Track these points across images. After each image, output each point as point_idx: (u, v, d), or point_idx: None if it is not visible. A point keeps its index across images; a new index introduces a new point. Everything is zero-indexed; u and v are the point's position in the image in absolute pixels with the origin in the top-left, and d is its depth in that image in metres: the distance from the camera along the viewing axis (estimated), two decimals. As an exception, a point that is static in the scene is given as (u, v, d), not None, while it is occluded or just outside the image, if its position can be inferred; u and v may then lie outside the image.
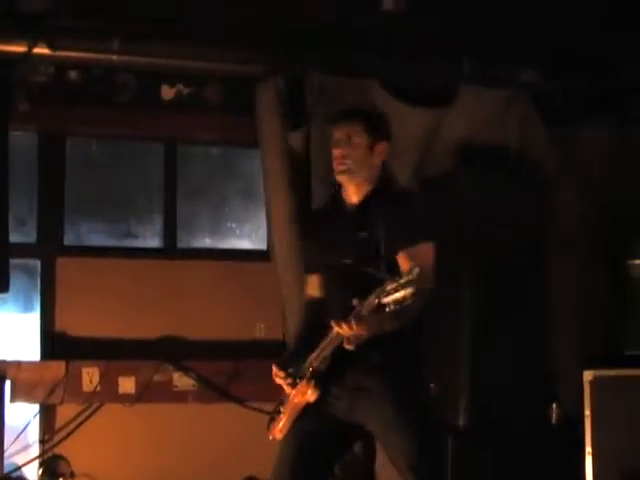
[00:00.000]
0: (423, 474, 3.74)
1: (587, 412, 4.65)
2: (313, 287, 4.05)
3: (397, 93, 5.33)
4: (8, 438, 5.14)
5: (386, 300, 3.38)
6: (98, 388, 5.30)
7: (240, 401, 5.43)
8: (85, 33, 4.94)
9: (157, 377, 5.37)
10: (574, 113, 5.56)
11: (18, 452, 5.33)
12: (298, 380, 3.77)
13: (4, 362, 5.14)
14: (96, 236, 5.72)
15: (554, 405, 4.99)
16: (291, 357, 3.91)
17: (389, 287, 3.36)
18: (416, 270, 3.34)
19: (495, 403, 4.79)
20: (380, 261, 3.70)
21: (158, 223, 5.79)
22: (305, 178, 5.18)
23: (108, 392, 5.32)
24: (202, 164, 5.93)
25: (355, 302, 3.50)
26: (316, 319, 3.94)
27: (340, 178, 3.92)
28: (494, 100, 5.42)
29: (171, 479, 5.39)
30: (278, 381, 3.85)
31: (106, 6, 4.82)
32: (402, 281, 3.34)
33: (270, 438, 3.89)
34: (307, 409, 3.79)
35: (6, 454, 5.11)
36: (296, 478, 3.78)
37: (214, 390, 5.43)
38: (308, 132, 5.25)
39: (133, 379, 5.35)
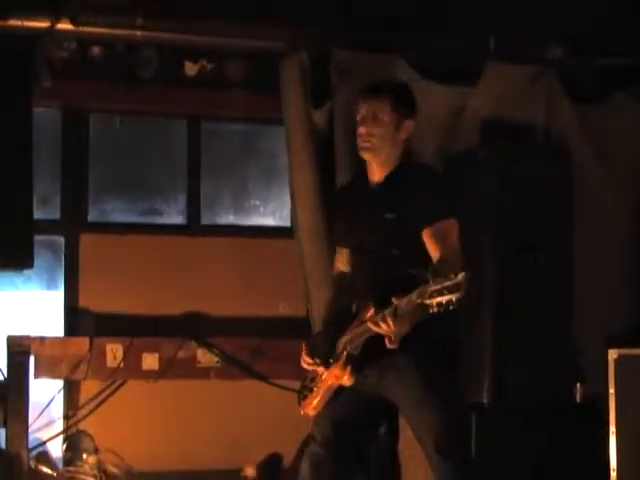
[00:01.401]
0: (450, 456, 3.73)
1: (611, 391, 4.61)
2: (343, 261, 4.04)
3: (422, 71, 5.29)
4: (32, 414, 5.15)
5: (429, 302, 3.29)
6: (122, 364, 5.30)
7: (263, 378, 5.43)
8: (108, 8, 4.93)
9: (180, 353, 5.37)
10: (602, 90, 5.51)
11: (42, 428, 5.36)
12: (331, 361, 3.77)
13: (28, 338, 5.15)
14: (120, 213, 5.73)
15: (578, 384, 4.96)
16: (321, 336, 3.92)
17: (433, 288, 3.28)
18: (462, 275, 3.25)
19: (519, 382, 4.76)
20: (408, 241, 3.70)
21: (182, 200, 5.79)
22: (329, 155, 5.16)
23: (132, 368, 5.33)
24: (226, 141, 5.91)
25: (395, 301, 3.43)
26: (345, 295, 3.95)
27: (364, 155, 3.89)
28: (520, 77, 5.36)
29: (194, 455, 5.41)
30: (305, 366, 3.85)
31: (129, -19, 4.82)
32: (448, 284, 3.25)
33: (302, 413, 3.89)
34: (341, 389, 3.79)
35: (30, 429, 5.13)
36: (331, 458, 3.78)
37: (237, 367, 5.43)
38: (332, 109, 5.22)
39: (157, 355, 5.35)
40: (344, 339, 3.74)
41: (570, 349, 5.01)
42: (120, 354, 5.30)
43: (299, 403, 3.92)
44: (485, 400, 4.74)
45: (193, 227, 5.74)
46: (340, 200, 4.19)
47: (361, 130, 3.84)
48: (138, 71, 5.44)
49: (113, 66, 5.42)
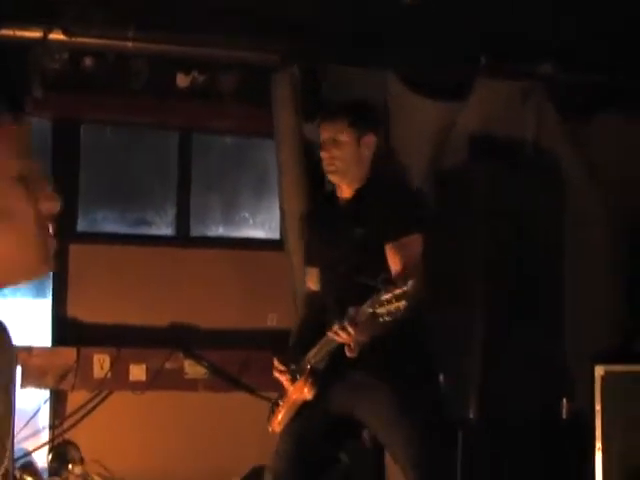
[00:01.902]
0: (428, 474, 3.74)
1: (598, 407, 4.63)
2: (312, 280, 4.10)
3: (413, 85, 5.31)
4: (18, 423, 5.14)
5: (380, 311, 3.38)
6: (109, 375, 5.31)
7: (251, 390, 5.43)
8: (100, 19, 4.94)
9: (168, 365, 5.37)
10: (591, 106, 5.53)
11: (28, 437, 5.35)
12: (298, 376, 3.79)
13: (15, 347, 5.12)
14: (109, 223, 5.73)
15: (564, 400, 4.97)
16: (292, 351, 3.95)
17: (383, 297, 3.36)
18: (410, 283, 3.34)
19: (505, 397, 4.76)
20: (375, 258, 3.73)
21: (171, 211, 5.79)
22: (320, 169, 5.17)
23: (119, 379, 5.33)
24: (216, 153, 5.93)
25: (351, 310, 3.49)
26: (316, 312, 4.00)
27: (332, 178, 3.96)
28: (510, 93, 5.38)
29: (181, 467, 5.40)
30: (277, 375, 3.87)
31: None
32: (397, 292, 3.34)
33: (270, 430, 3.92)
34: (306, 404, 3.80)
35: (16, 439, 5.10)
36: (293, 473, 3.79)
37: (225, 379, 5.43)
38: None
39: (144, 366, 5.35)
40: (310, 353, 3.79)
41: (557, 365, 5.02)
42: (107, 365, 5.30)
43: (267, 419, 3.95)
44: (471, 415, 4.75)
45: (182, 238, 5.73)
46: (309, 220, 4.24)
47: (323, 155, 3.92)
48: (130, 82, 5.45)
49: (105, 77, 5.41)
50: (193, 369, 5.41)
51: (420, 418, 3.77)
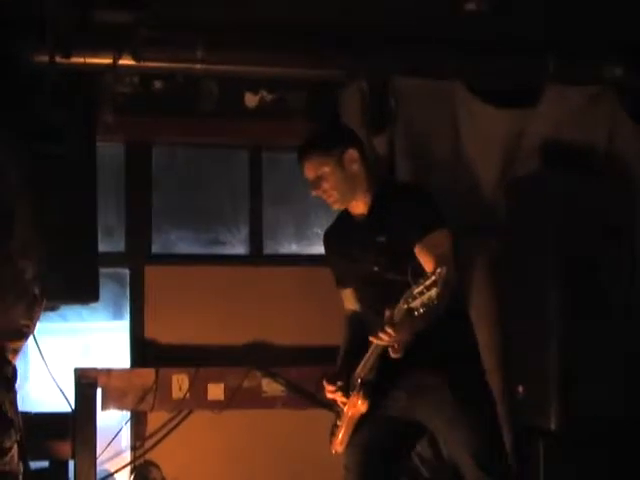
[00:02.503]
0: (492, 472, 3.71)
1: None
2: (349, 301, 4.12)
3: (480, 94, 5.29)
4: (100, 445, 5.19)
5: (414, 304, 3.37)
6: (187, 395, 5.32)
7: (329, 406, 5.40)
8: (168, 43, 5.00)
9: (246, 383, 5.37)
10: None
11: (110, 459, 5.39)
12: (350, 393, 3.81)
13: (95, 370, 5.20)
14: (183, 244, 5.76)
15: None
16: (340, 371, 3.94)
17: (415, 291, 3.35)
18: (439, 270, 3.33)
19: (586, 406, 4.72)
20: (408, 260, 3.69)
21: (244, 230, 5.81)
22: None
23: (197, 398, 5.33)
24: (287, 170, 5.94)
25: (387, 312, 3.48)
26: (359, 331, 3.98)
27: (337, 207, 3.97)
28: (580, 98, 5.35)
29: (261, 485, 5.42)
30: (329, 396, 3.87)
31: (188, 15, 4.86)
32: (427, 283, 3.33)
33: (333, 452, 3.91)
34: (365, 418, 3.79)
35: (98, 461, 5.15)
36: None
37: (303, 396, 5.43)
38: (392, 135, 5.24)
39: (222, 385, 5.36)
40: (357, 370, 3.79)
41: (635, 370, 4.96)
42: (186, 385, 5.32)
43: (330, 441, 3.94)
44: (552, 426, 4.70)
45: (256, 257, 5.75)
46: (330, 244, 4.19)
47: (317, 193, 3.89)
48: (199, 103, 5.50)
49: (175, 99, 5.48)
50: (270, 387, 5.42)
51: (482, 414, 3.75)
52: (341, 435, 3.90)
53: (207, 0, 4.69)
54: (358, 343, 3.92)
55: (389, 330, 3.47)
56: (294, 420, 5.46)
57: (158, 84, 5.42)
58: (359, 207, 3.92)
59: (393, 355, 3.57)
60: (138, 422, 5.44)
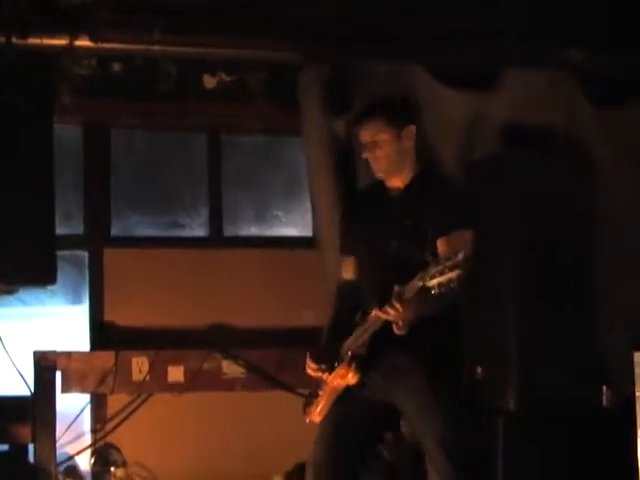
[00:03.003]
0: (459, 463, 3.75)
1: (638, 394, 4.59)
2: (348, 270, 4.08)
3: (441, 77, 5.30)
4: (60, 428, 5.18)
5: (431, 283, 3.37)
6: (147, 377, 5.32)
7: (288, 388, 5.44)
8: (126, 24, 4.96)
9: (206, 365, 5.38)
10: (622, 92, 5.49)
11: (70, 442, 5.37)
12: (336, 364, 3.79)
13: (54, 353, 5.18)
14: (142, 227, 5.75)
15: (605, 387, 4.95)
16: (326, 344, 3.94)
17: (433, 270, 3.36)
18: (461, 254, 3.34)
19: (545, 386, 4.75)
20: (425, 247, 3.70)
21: (204, 213, 5.80)
22: (350, 164, 5.17)
23: (157, 381, 5.34)
24: (246, 153, 5.93)
25: (396, 287, 3.49)
26: (349, 303, 3.97)
27: (380, 176, 3.96)
28: (539, 81, 5.36)
29: (221, 467, 5.41)
30: (311, 373, 3.89)
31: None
32: (448, 264, 3.34)
33: (307, 421, 3.91)
34: (345, 393, 3.80)
35: (58, 444, 5.14)
36: (335, 460, 3.81)
37: (263, 377, 5.44)
38: (351, 118, 5.23)
39: (182, 368, 5.36)
40: (348, 342, 3.78)
41: (596, 353, 4.99)
42: (146, 367, 5.32)
43: (304, 410, 3.94)
44: (511, 406, 4.73)
45: (216, 239, 5.75)
46: (356, 208, 4.21)
47: (368, 157, 3.92)
48: (157, 85, 5.47)
49: (133, 81, 5.44)
50: (231, 369, 5.42)
51: (455, 404, 3.78)
52: (320, 406, 3.89)
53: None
54: (347, 314, 3.93)
55: (397, 305, 3.49)
56: (254, 402, 5.47)
57: (116, 66, 5.38)
58: (397, 183, 3.94)
59: (397, 332, 3.58)
60: (98, 405, 5.44)
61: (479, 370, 4.89)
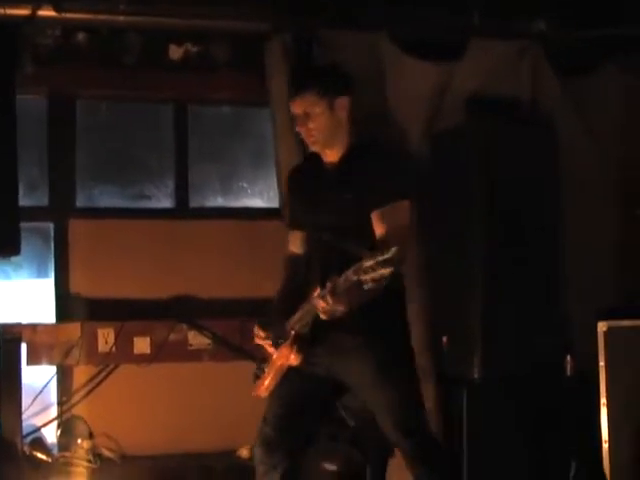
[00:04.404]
0: (410, 432, 3.78)
1: (601, 363, 4.61)
2: (295, 244, 4.06)
3: (406, 47, 5.29)
4: (26, 400, 5.16)
5: (364, 278, 3.34)
6: (114, 349, 5.33)
7: (255, 358, 5.42)
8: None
9: (172, 336, 5.39)
10: (588, 62, 5.50)
11: (36, 414, 5.37)
12: (281, 341, 3.78)
13: (19, 325, 5.16)
14: (108, 198, 5.73)
15: (568, 356, 4.98)
16: (274, 316, 3.91)
17: (367, 264, 3.32)
18: (394, 250, 3.29)
19: (509, 355, 4.77)
20: (363, 220, 3.71)
21: (170, 184, 5.80)
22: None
23: (123, 352, 5.35)
24: (213, 124, 5.91)
25: (330, 282, 3.47)
26: (298, 276, 3.95)
27: (314, 148, 3.92)
28: (505, 52, 5.35)
29: (188, 437, 5.44)
30: (258, 341, 3.88)
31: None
32: (380, 259, 3.30)
33: (254, 396, 3.91)
34: (290, 372, 3.80)
35: (25, 416, 5.12)
36: (281, 438, 3.81)
37: (229, 348, 5.45)
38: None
39: (148, 339, 5.37)
40: (293, 319, 3.76)
41: (559, 322, 5.03)
42: (112, 339, 5.32)
43: (254, 382, 3.94)
44: (475, 375, 4.76)
45: (182, 210, 5.75)
46: (294, 183, 4.16)
47: (300, 130, 3.88)
48: (123, 56, 5.44)
49: (98, 52, 5.41)
50: (197, 340, 5.43)
51: (400, 376, 3.79)
52: (267, 382, 3.89)
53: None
54: (295, 287, 3.91)
55: (328, 298, 3.46)
56: (220, 373, 5.48)
57: (81, 36, 5.35)
58: (333, 155, 3.90)
59: (322, 316, 3.57)
60: (64, 377, 5.45)
61: (444, 340, 4.91)
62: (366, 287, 3.35)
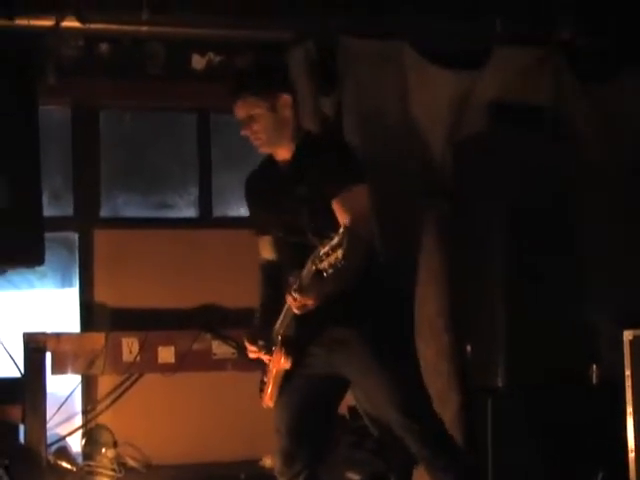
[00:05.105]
0: (419, 417, 3.75)
1: (627, 372, 4.57)
2: (265, 249, 4.06)
3: (430, 56, 5.28)
4: (51, 409, 5.19)
5: (322, 265, 3.33)
6: (138, 358, 5.33)
7: (279, 368, 5.44)
8: (113, 4, 4.94)
9: (196, 346, 5.38)
10: (611, 70, 5.48)
11: (61, 423, 5.40)
12: (272, 348, 3.78)
13: (44, 334, 5.18)
14: (132, 208, 5.76)
15: (594, 365, 4.95)
16: (260, 325, 3.91)
17: (322, 251, 3.32)
18: (342, 230, 3.30)
19: (534, 364, 4.75)
20: (324, 215, 3.67)
21: (193, 193, 5.81)
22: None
23: (148, 362, 5.35)
24: (235, 133, 5.89)
25: (291, 278, 3.49)
26: (275, 282, 3.94)
27: (263, 150, 3.90)
28: (527, 60, 5.35)
29: (213, 447, 5.44)
30: (252, 356, 3.89)
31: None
32: (333, 243, 3.30)
33: (264, 406, 3.91)
34: (291, 376, 3.79)
35: (50, 425, 5.17)
36: (298, 448, 3.79)
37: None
38: (340, 97, 5.22)
39: (172, 348, 5.37)
40: (277, 325, 3.75)
41: (586, 330, 5.00)
42: (136, 348, 5.32)
43: (260, 397, 3.94)
44: (500, 384, 4.74)
45: (205, 220, 5.76)
46: (252, 189, 4.12)
47: (245, 133, 3.83)
48: (146, 66, 5.47)
49: (121, 62, 5.45)
50: (221, 349, 5.43)
51: (399, 362, 3.75)
52: (270, 390, 3.87)
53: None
54: (275, 294, 3.88)
55: (296, 295, 3.46)
56: (244, 382, 5.45)
57: (104, 47, 5.38)
58: (283, 154, 3.86)
59: (296, 312, 3.57)
60: (89, 386, 5.47)
61: (468, 348, 4.90)
62: (326, 274, 3.34)
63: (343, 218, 3.61)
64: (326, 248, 3.31)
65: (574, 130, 5.20)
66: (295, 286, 3.46)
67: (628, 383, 4.57)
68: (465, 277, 5.01)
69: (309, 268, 3.39)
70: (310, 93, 5.17)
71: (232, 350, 5.43)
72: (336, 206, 3.68)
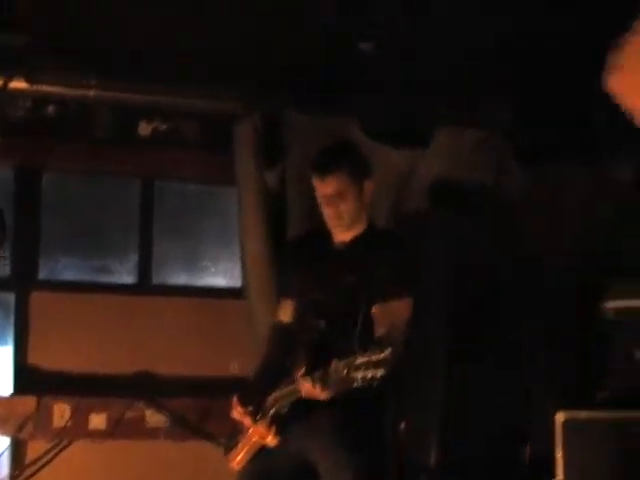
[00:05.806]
0: None
1: (559, 455, 4.62)
2: (285, 313, 3.94)
3: (375, 134, 5.34)
4: (-22, 472, 5.11)
5: (355, 375, 3.22)
6: (69, 424, 5.26)
7: (212, 438, 5.38)
8: (62, 68, 4.95)
9: (129, 414, 5.32)
10: (550, 152, 5.59)
11: (-12, 487, 5.30)
12: (259, 417, 3.69)
13: None
14: (71, 271, 5.71)
15: (527, 446, 4.97)
16: (254, 387, 3.81)
17: (359, 361, 3.21)
18: (389, 350, 3.19)
19: (467, 442, 4.77)
20: (360, 307, 3.60)
21: (133, 259, 5.78)
22: (281, 217, 5.18)
23: (79, 428, 5.27)
24: (178, 201, 5.92)
25: (318, 373, 3.39)
26: (282, 347, 3.85)
27: (339, 231, 3.79)
28: (469, 140, 5.44)
29: (142, 516, 5.36)
30: (236, 416, 3.76)
31: (83, 41, 4.83)
32: (374, 359, 3.18)
33: (229, 465, 3.84)
34: (265, 448, 3.72)
35: (-24, 489, 5.08)
36: None
37: (186, 427, 5.39)
38: (284, 171, 5.26)
39: (104, 415, 5.30)
40: (274, 396, 3.66)
41: (520, 411, 5.03)
42: (67, 414, 5.25)
43: (225, 454, 3.86)
44: (432, 461, 4.74)
45: (144, 286, 5.73)
46: (296, 251, 4.05)
47: (329, 211, 3.72)
48: (92, 130, 5.47)
49: (67, 125, 5.43)
50: (154, 418, 5.37)
51: (368, 462, 3.71)
52: (240, 457, 3.79)
53: (101, 28, 4.68)
54: (278, 362, 3.80)
55: (318, 387, 3.37)
56: (177, 451, 5.42)
57: (51, 109, 5.37)
58: (344, 236, 3.78)
59: (303, 396, 3.49)
60: (17, 450, 5.35)
61: (402, 426, 4.90)
62: (355, 385, 3.23)
63: (379, 327, 3.55)
64: (365, 360, 3.18)
65: (513, 214, 5.28)
66: (320, 378, 3.36)
67: (559, 465, 4.60)
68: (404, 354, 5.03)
69: (339, 369, 3.27)
70: (254, 165, 5.20)
71: (165, 419, 5.38)
72: (376, 313, 3.60)
